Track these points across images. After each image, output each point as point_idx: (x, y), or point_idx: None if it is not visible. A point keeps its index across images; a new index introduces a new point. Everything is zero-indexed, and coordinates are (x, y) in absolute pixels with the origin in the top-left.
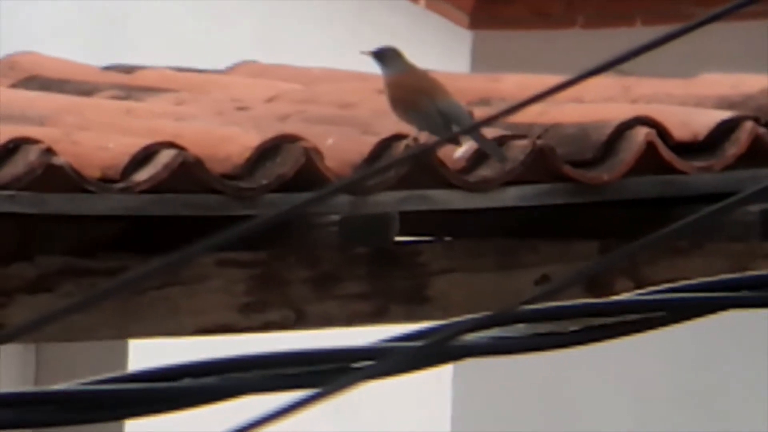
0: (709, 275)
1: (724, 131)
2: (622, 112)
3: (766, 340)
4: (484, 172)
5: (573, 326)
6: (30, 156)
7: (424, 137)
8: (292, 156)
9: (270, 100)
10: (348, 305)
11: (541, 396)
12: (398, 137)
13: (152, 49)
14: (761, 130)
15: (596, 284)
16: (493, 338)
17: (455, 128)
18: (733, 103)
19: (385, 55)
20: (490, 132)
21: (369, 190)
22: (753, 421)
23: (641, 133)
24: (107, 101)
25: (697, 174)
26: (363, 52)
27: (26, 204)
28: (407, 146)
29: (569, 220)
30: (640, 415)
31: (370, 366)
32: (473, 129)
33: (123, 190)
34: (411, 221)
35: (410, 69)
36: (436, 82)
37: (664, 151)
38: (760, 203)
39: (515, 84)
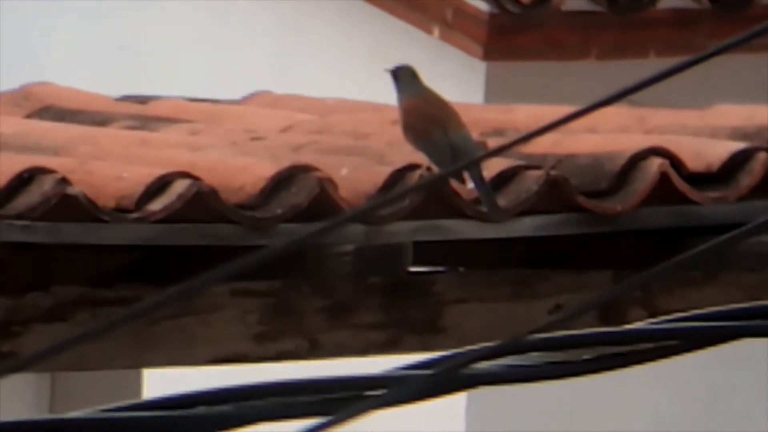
0: (723, 306)
1: (737, 162)
2: (636, 142)
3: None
4: (499, 201)
5: (586, 355)
6: (45, 186)
7: (431, 165)
8: (306, 186)
9: (284, 130)
10: (362, 335)
11: (555, 425)
12: (412, 167)
13: (167, 80)
14: None
15: (610, 314)
16: (506, 366)
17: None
18: (747, 134)
19: (401, 74)
20: (503, 163)
21: (383, 220)
22: None
23: (655, 164)
24: (122, 131)
25: (711, 204)
26: (385, 69)
27: (41, 234)
28: (421, 176)
29: (583, 250)
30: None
31: (383, 394)
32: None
33: (137, 220)
34: (425, 251)
35: (425, 92)
36: (450, 111)
37: (677, 181)
38: None
39: (529, 115)
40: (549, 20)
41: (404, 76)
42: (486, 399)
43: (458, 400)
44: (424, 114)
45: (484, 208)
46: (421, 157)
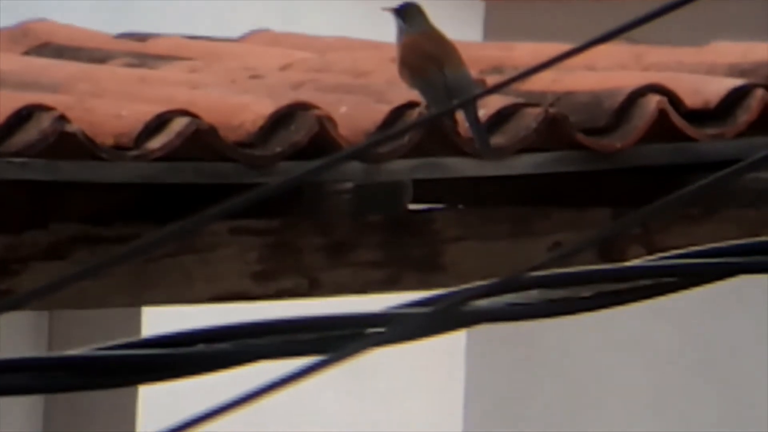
0: (721, 242)
1: (735, 99)
2: (635, 79)
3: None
4: (498, 139)
5: (585, 292)
6: (43, 123)
7: (427, 102)
8: (305, 124)
9: (284, 68)
10: (361, 273)
11: (554, 362)
12: (412, 105)
13: (166, 18)
14: None
15: (609, 251)
16: (505, 304)
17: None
18: (744, 70)
19: (405, 12)
20: (502, 100)
21: (382, 158)
22: (762, 391)
23: (653, 101)
24: (121, 69)
25: (708, 141)
26: (384, 9)
27: (39, 171)
28: (420, 114)
29: (582, 188)
30: (654, 381)
31: (381, 332)
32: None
33: (136, 158)
34: (424, 189)
35: (427, 30)
36: (449, 49)
37: (675, 118)
38: None
39: (528, 52)
40: None
41: (408, 14)
42: (486, 337)
43: (458, 338)
44: (421, 51)
45: (478, 148)
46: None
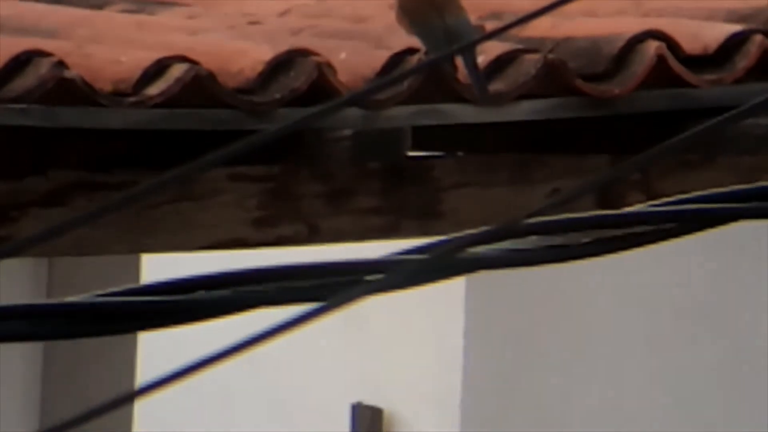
0: (720, 188)
1: (734, 44)
2: (633, 25)
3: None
4: (497, 86)
5: (584, 238)
6: (41, 69)
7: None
8: (304, 70)
9: (282, 14)
10: (360, 220)
11: (552, 308)
12: (411, 51)
13: None
14: None
15: (607, 198)
16: (503, 251)
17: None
18: (744, 16)
19: None
20: (500, 47)
21: (381, 104)
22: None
23: (652, 47)
24: (119, 14)
25: (707, 87)
26: None
27: (38, 117)
28: (419, 60)
29: (581, 134)
30: (652, 326)
31: (379, 279)
32: (470, 51)
33: (135, 104)
34: (423, 135)
35: None
36: None
37: (674, 64)
38: None
39: None
40: None
41: None
42: (485, 283)
43: (457, 285)
44: None
45: (476, 94)
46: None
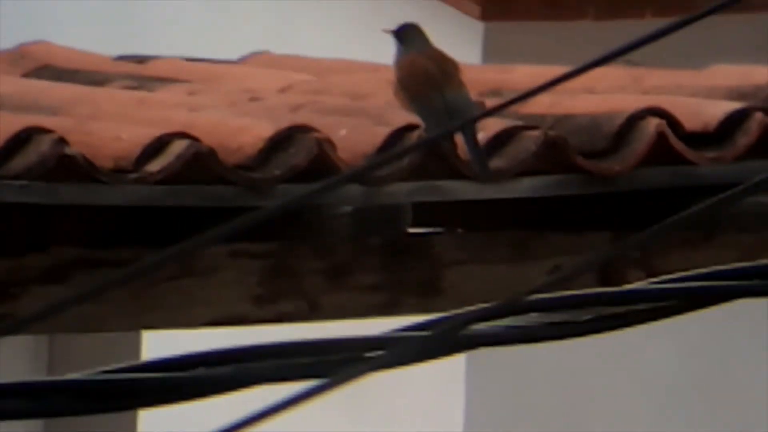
0: (720, 266)
1: (734, 122)
2: (634, 102)
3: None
4: (497, 162)
5: (585, 315)
6: (42, 146)
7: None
8: (304, 147)
9: (283, 90)
10: (361, 296)
11: (553, 384)
12: (411, 128)
13: (165, 40)
14: None
15: (608, 275)
16: (504, 327)
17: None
18: (744, 93)
19: (404, 33)
20: (500, 123)
21: (381, 180)
22: (761, 411)
23: (652, 124)
24: (120, 91)
25: (708, 165)
26: (384, 30)
27: (39, 194)
28: (419, 137)
29: (581, 211)
30: (651, 402)
31: (380, 356)
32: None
33: (136, 181)
34: (423, 212)
35: (426, 50)
36: (449, 69)
37: (675, 141)
38: None
39: (527, 75)
40: None
41: (407, 35)
42: (486, 359)
43: (458, 361)
44: (419, 72)
45: (476, 171)
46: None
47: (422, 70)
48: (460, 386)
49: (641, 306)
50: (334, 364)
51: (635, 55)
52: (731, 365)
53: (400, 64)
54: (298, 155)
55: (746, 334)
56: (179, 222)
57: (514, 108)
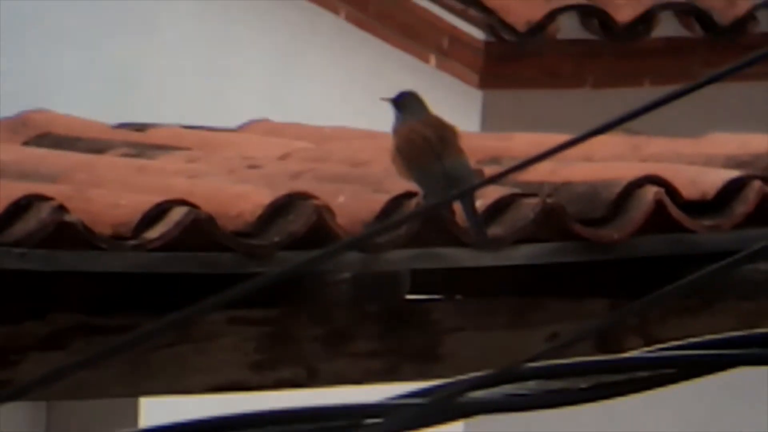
0: (718, 334)
1: (732, 190)
2: (632, 170)
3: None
4: (496, 229)
5: (583, 383)
6: (42, 213)
7: (423, 192)
8: (303, 214)
9: (282, 157)
10: (360, 363)
11: None
12: (409, 195)
13: (164, 108)
14: None
15: (606, 342)
16: (502, 395)
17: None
18: (742, 162)
19: (402, 102)
20: (500, 191)
21: (380, 247)
22: None
23: (651, 192)
24: (119, 159)
25: (706, 233)
26: (383, 99)
27: (38, 261)
28: (418, 204)
29: (580, 278)
30: None
31: (378, 423)
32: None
33: (135, 248)
34: (422, 279)
35: (425, 117)
36: (448, 137)
37: (673, 209)
38: None
39: (526, 143)
40: (544, 48)
41: (406, 104)
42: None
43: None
44: (417, 140)
45: (474, 238)
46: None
47: (420, 138)
48: None
49: (640, 374)
50: (332, 431)
51: (634, 123)
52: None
53: (399, 132)
54: (296, 222)
55: (746, 404)
56: (178, 289)
57: (512, 175)
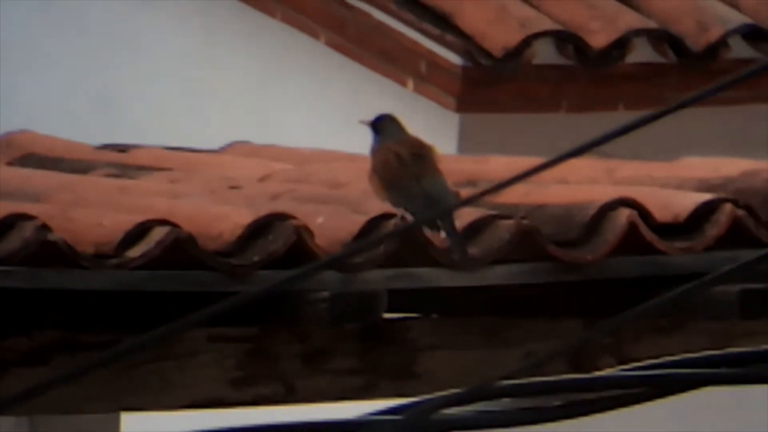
0: (690, 353)
1: (704, 213)
2: (606, 193)
3: (748, 415)
4: (471, 250)
5: (556, 401)
6: (25, 232)
7: (401, 213)
8: (283, 234)
9: (262, 179)
10: (337, 380)
11: None
12: (387, 216)
13: (147, 129)
14: (740, 212)
15: (580, 361)
16: (476, 412)
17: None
18: (713, 185)
19: (381, 125)
20: (476, 212)
21: (358, 267)
22: None
23: (624, 215)
24: (102, 179)
25: (678, 254)
26: (361, 121)
27: (22, 279)
28: (395, 225)
29: (554, 299)
30: None
31: None
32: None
33: (117, 266)
34: (399, 298)
35: (402, 138)
36: (426, 157)
37: (646, 232)
38: (739, 283)
39: (502, 165)
40: (520, 73)
41: (383, 126)
42: None
43: None
44: (392, 161)
45: (455, 257)
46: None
47: (395, 159)
48: None
49: (612, 392)
50: None
51: (608, 146)
52: None
53: (376, 153)
54: (276, 242)
55: (712, 419)
56: (159, 306)
57: (488, 197)
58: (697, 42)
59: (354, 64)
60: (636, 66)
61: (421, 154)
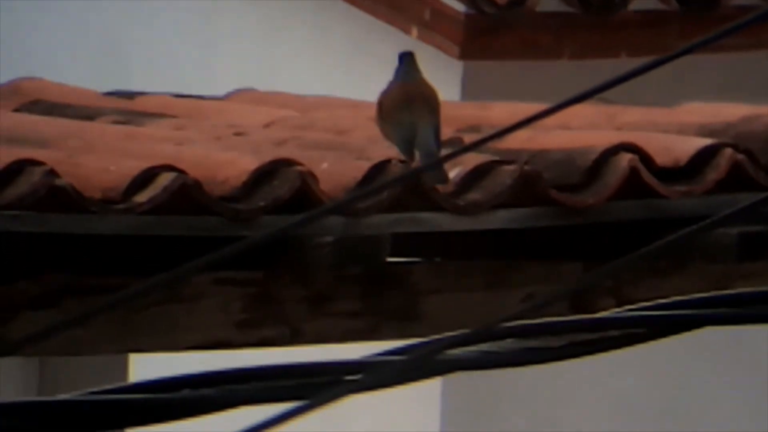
0: (688, 295)
1: (704, 157)
2: (607, 138)
3: (744, 357)
4: (474, 195)
5: (557, 342)
6: (33, 177)
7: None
8: (288, 179)
9: (267, 125)
10: (341, 323)
11: (526, 408)
12: (390, 162)
13: (153, 77)
14: (740, 156)
15: (580, 303)
16: (479, 353)
17: (421, 152)
18: (714, 130)
19: (403, 59)
20: (478, 158)
21: (361, 212)
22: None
23: (625, 159)
24: (109, 126)
25: (678, 198)
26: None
27: (30, 223)
28: (400, 170)
29: (555, 242)
30: (624, 426)
31: (359, 379)
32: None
33: (124, 211)
34: (402, 243)
35: (412, 80)
36: (428, 99)
37: (646, 176)
38: (737, 226)
39: (504, 112)
40: (523, 21)
41: (405, 62)
42: (461, 384)
43: (434, 392)
44: (396, 97)
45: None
46: (397, 152)
47: (400, 95)
48: (436, 410)
49: (612, 333)
50: (314, 386)
51: (609, 93)
52: (699, 391)
53: (388, 86)
54: (281, 188)
55: (708, 362)
56: (166, 251)
57: (491, 143)
58: None
59: (357, 11)
60: (638, 14)
61: (424, 94)
